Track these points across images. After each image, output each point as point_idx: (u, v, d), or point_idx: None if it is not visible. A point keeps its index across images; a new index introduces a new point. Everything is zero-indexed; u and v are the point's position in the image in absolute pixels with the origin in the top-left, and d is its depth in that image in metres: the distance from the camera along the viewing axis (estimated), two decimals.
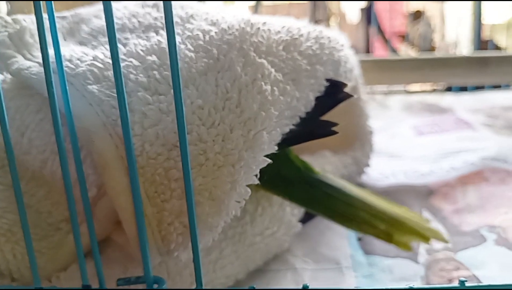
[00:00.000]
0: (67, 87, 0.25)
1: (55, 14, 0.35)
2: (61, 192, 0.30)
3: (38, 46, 0.31)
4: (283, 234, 0.36)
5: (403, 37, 0.92)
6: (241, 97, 0.27)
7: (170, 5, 0.21)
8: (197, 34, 0.29)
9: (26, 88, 0.29)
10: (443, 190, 0.46)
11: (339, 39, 0.35)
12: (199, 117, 0.26)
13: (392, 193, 0.46)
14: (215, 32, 0.29)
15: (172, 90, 0.26)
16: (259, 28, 0.30)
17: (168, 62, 0.27)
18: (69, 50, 0.28)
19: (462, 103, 0.71)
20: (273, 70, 0.28)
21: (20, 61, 0.29)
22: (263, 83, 0.27)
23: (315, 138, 0.33)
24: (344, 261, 0.36)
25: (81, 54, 0.27)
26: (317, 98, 0.32)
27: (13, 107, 0.30)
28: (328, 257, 0.37)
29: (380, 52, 0.87)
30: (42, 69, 0.24)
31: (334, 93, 0.33)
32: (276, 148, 0.28)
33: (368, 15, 0.85)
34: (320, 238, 0.39)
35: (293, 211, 0.37)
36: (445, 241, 0.30)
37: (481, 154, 0.52)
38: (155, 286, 0.25)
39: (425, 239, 0.30)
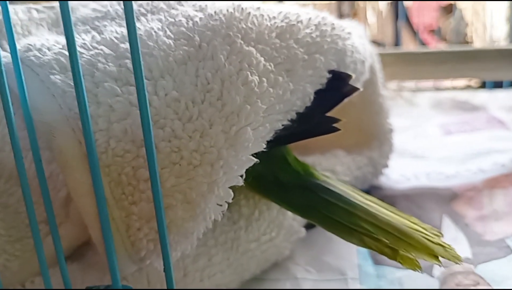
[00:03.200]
0: (33, 78, 0.24)
1: (45, 4, 0.34)
2: (40, 192, 0.28)
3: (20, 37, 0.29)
4: (283, 241, 0.33)
5: (435, 32, 0.87)
6: (223, 89, 0.24)
7: None
8: (180, 20, 0.26)
9: None
10: (468, 194, 0.42)
11: (346, 27, 0.32)
12: (175, 111, 0.23)
13: (411, 196, 0.43)
14: (200, 18, 0.26)
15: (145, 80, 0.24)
16: (249, 13, 0.27)
17: (144, 50, 0.24)
18: (43, 39, 0.26)
19: (496, 101, 0.66)
20: (262, 59, 0.25)
21: None
22: (249, 73, 0.24)
23: (314, 135, 0.30)
24: (350, 272, 0.33)
25: (52, 43, 0.25)
26: (319, 92, 0.29)
27: None
28: (333, 266, 0.34)
29: (409, 46, 0.83)
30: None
31: (338, 86, 0.30)
32: (264, 145, 0.25)
33: (396, 9, 0.81)
34: (326, 245, 0.36)
35: (295, 216, 0.34)
36: (459, 260, 0.26)
37: None
38: None
39: (434, 257, 0.26)
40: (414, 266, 0.26)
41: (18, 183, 0.29)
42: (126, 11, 0.19)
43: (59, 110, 0.22)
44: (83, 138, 0.22)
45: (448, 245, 0.26)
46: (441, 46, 0.84)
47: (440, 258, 0.26)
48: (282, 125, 0.27)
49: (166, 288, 0.28)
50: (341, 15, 0.87)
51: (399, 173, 0.47)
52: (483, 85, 0.73)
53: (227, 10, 0.26)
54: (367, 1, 0.86)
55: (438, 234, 0.27)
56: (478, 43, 0.84)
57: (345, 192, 0.29)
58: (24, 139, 0.22)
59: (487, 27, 0.84)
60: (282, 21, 0.28)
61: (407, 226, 0.27)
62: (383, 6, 0.87)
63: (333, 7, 0.92)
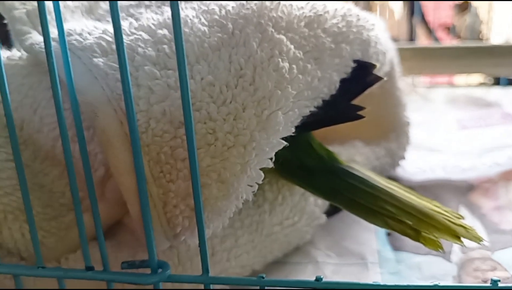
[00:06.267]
0: (75, 61, 0.25)
1: None
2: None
3: (54, 23, 0.31)
4: (305, 225, 0.34)
5: (449, 29, 0.88)
6: (255, 74, 0.25)
7: None
8: (213, 9, 0.27)
9: (40, 64, 0.29)
10: (484, 186, 0.42)
11: (370, 18, 0.33)
12: (210, 94, 0.24)
13: (428, 188, 0.43)
14: (232, 7, 0.27)
15: None
16: (279, 3, 0.28)
17: None
18: (82, 24, 0.27)
19: (510, 97, 0.66)
20: (292, 46, 0.26)
21: (34, 37, 0.28)
22: (280, 60, 0.25)
23: (339, 122, 0.30)
24: (370, 257, 0.34)
25: (92, 28, 0.26)
26: (344, 80, 0.30)
27: (27, 84, 0.29)
28: (353, 251, 0.35)
29: (424, 42, 0.83)
30: (53, 43, 0.23)
31: (362, 75, 0.31)
32: (293, 130, 0.26)
33: (412, 5, 0.81)
34: (346, 231, 0.37)
35: (316, 202, 0.35)
36: (480, 240, 0.26)
37: None
38: (160, 270, 0.24)
39: (456, 237, 0.26)
40: (436, 246, 0.27)
41: (53, 163, 0.30)
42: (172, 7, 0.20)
43: (101, 92, 0.23)
44: (124, 118, 0.23)
45: (470, 226, 0.27)
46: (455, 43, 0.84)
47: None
48: (310, 111, 0.28)
49: (197, 265, 0.29)
50: None
51: (415, 166, 0.48)
52: (497, 82, 0.73)
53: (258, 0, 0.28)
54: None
55: (459, 216, 0.28)
56: (492, 40, 0.84)
57: (368, 176, 0.30)
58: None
59: (501, 25, 0.84)
60: (310, 11, 0.29)
61: (430, 208, 0.28)
62: (399, 4, 0.87)
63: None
